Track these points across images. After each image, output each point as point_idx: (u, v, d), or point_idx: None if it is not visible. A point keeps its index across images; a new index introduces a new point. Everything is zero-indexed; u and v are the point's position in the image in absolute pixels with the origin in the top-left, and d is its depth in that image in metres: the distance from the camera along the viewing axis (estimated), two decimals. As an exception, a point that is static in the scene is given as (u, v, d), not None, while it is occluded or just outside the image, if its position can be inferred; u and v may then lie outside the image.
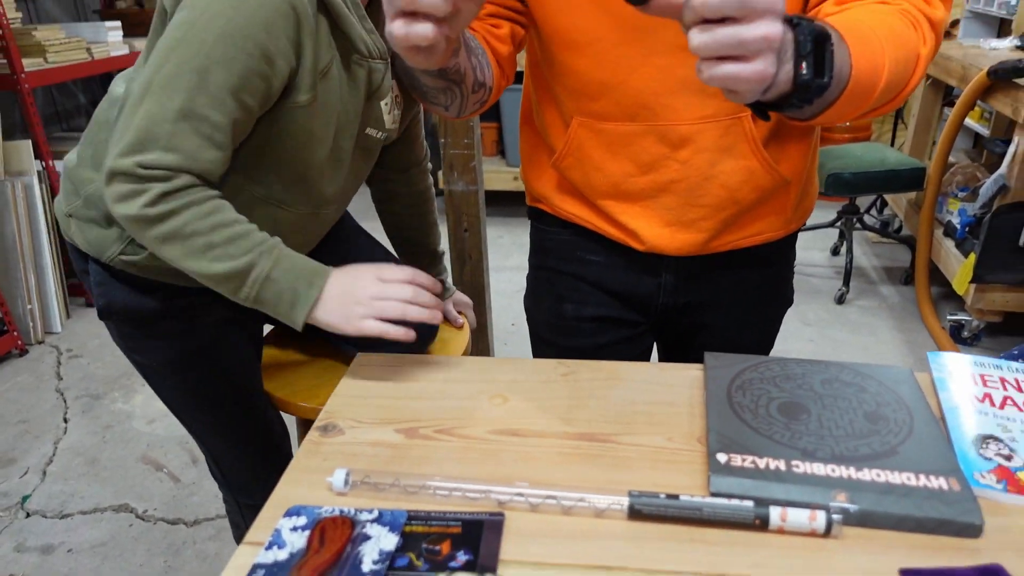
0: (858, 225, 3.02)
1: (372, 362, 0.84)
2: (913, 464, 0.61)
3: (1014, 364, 0.76)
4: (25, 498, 1.94)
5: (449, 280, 1.33)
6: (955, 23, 3.69)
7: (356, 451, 0.68)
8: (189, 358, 1.00)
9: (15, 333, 2.62)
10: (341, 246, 1.15)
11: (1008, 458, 0.63)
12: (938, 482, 0.59)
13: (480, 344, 1.95)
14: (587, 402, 0.74)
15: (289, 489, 0.64)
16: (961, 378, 0.74)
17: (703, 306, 1.00)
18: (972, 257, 2.33)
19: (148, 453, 2.13)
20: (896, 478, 0.59)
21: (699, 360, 0.81)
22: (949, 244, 2.58)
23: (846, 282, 2.81)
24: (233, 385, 1.04)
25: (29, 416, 2.30)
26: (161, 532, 1.83)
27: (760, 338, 1.07)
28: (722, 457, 0.62)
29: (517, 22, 0.87)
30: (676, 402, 0.74)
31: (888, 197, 3.33)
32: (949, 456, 0.62)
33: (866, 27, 0.64)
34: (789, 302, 1.08)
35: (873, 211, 3.43)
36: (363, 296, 0.82)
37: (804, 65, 0.55)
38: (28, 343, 2.71)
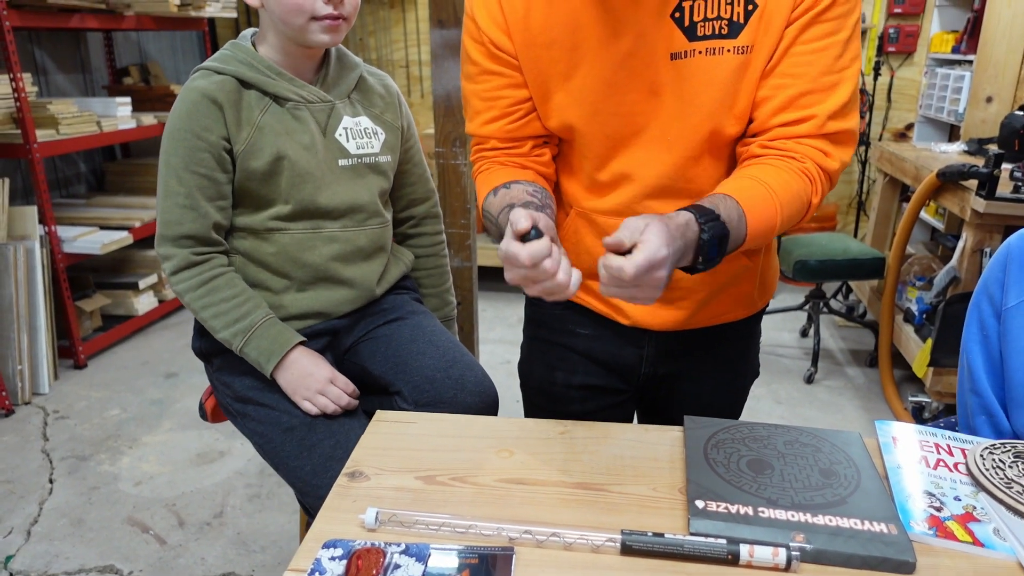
0: (824, 309, 3.20)
1: (390, 419, 0.94)
2: (859, 512, 0.72)
3: (947, 432, 0.89)
4: (9, 558, 1.94)
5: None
6: (910, 126, 4.01)
7: (381, 494, 0.78)
8: None
9: (3, 393, 2.65)
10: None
11: (939, 509, 0.75)
12: (879, 527, 0.70)
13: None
14: (581, 456, 0.85)
15: (324, 526, 0.73)
16: (903, 443, 0.86)
17: (680, 376, 1.13)
18: (929, 342, 2.49)
19: (134, 515, 2.15)
20: (845, 523, 0.71)
21: (678, 423, 0.91)
22: (909, 329, 2.75)
23: (814, 363, 2.96)
24: None
25: (14, 476, 2.31)
26: (147, 595, 1.85)
27: (731, 404, 1.20)
28: (700, 503, 0.73)
29: (551, 142, 1.06)
30: (659, 458, 0.85)
31: (852, 283, 3.53)
32: (889, 506, 0.74)
33: (769, 190, 0.86)
34: (756, 373, 1.22)
35: (840, 296, 3.62)
36: (312, 386, 1.11)
37: (701, 259, 0.80)
38: (15, 403, 2.74)
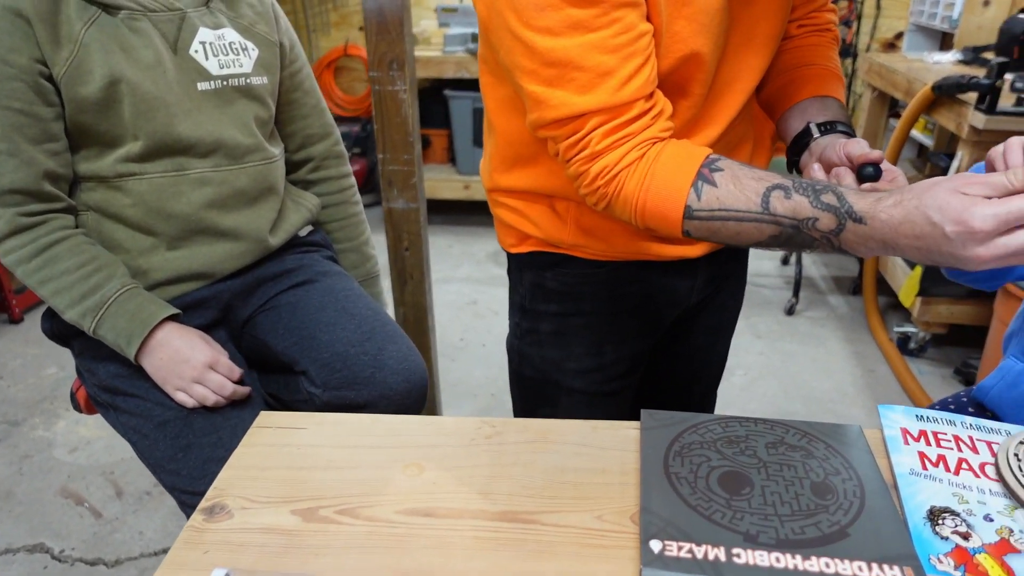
0: (807, 236, 3.02)
1: (275, 423, 0.75)
2: (865, 550, 0.55)
3: (967, 419, 0.71)
4: (-75, 540, 1.79)
5: (386, 304, 1.25)
6: (899, 35, 3.74)
7: (244, 540, 0.59)
8: None
9: (-76, 353, 2.44)
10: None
11: (966, 537, 0.58)
12: (892, 572, 0.53)
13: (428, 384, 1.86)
14: (511, 470, 0.67)
15: (161, 592, 0.55)
16: (914, 436, 0.69)
17: (712, 293, 1.02)
18: (918, 270, 2.33)
19: (68, 485, 1.99)
20: (847, 569, 0.53)
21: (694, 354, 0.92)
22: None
23: (795, 293, 2.80)
24: None
25: (-64, 446, 2.14)
26: (80, 574, 1.70)
27: (732, 325, 1.13)
28: (655, 545, 0.55)
29: None
30: (608, 469, 0.67)
31: (836, 207, 3.35)
32: (903, 537, 0.56)
33: (833, 73, 0.89)
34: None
35: (822, 220, 3.44)
36: (186, 373, 0.91)
37: None
38: (-61, 363, 2.53)
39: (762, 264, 3.19)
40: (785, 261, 3.20)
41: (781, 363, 2.47)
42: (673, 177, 0.69)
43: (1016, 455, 0.64)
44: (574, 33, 0.66)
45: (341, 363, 0.94)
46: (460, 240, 3.55)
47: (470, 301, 2.94)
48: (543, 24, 0.66)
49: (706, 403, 1.18)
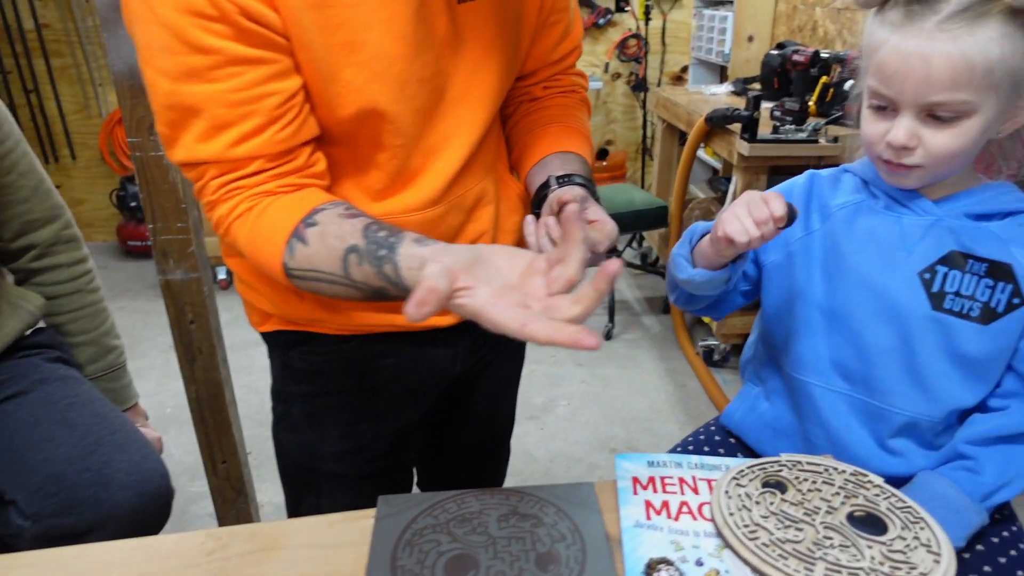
0: (618, 261, 3.17)
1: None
2: (577, 622, 0.55)
3: (694, 459, 0.75)
4: None
5: (136, 396, 1.14)
6: (685, 69, 4.07)
7: None
8: None
9: None
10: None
11: (676, 587, 0.60)
12: (599, 643, 0.53)
13: (231, 463, 1.74)
14: (233, 589, 0.62)
15: None
16: (643, 484, 0.71)
17: (484, 361, 1.01)
18: (712, 288, 2.51)
19: None
20: (556, 647, 0.53)
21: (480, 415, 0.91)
22: (694, 275, 2.77)
23: (611, 318, 2.93)
24: None
25: None
26: None
27: (519, 371, 1.12)
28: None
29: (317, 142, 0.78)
30: (338, 571, 0.63)
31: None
32: (616, 600, 0.57)
33: (580, 133, 0.90)
34: None
35: (634, 244, 3.64)
36: None
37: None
38: None
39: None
40: (603, 287, 3.35)
41: (602, 388, 2.56)
42: (272, 233, 0.70)
43: (727, 492, 0.68)
44: (191, 80, 0.65)
45: (57, 486, 0.83)
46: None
47: (292, 360, 2.81)
48: (164, 66, 0.65)
49: (497, 460, 1.17)
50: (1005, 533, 0.83)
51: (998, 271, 0.78)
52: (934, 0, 0.70)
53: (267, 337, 0.91)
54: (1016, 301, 0.77)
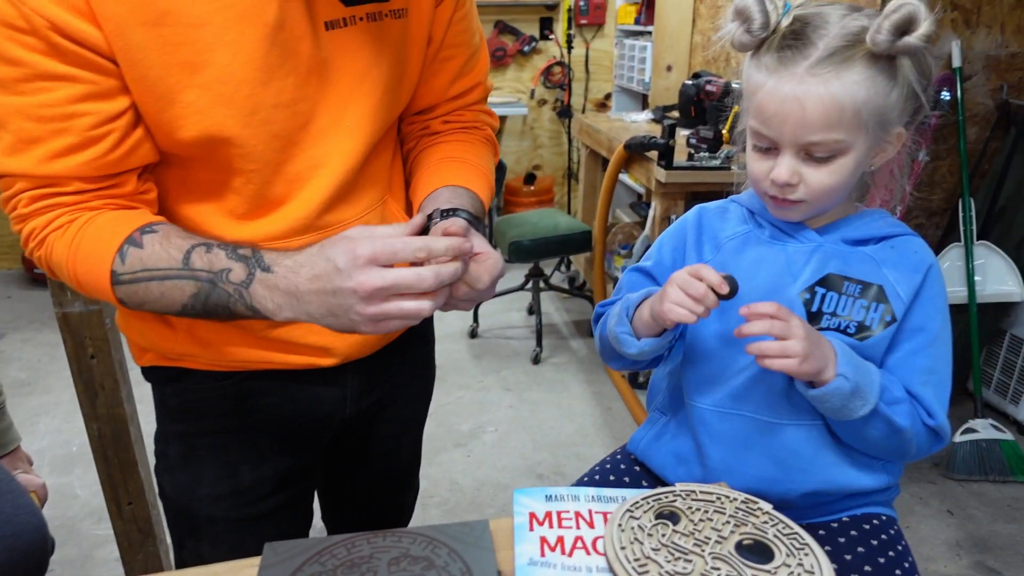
0: (544, 286, 3.20)
1: None
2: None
3: (589, 491, 0.75)
4: None
5: (17, 439, 1.08)
6: (608, 96, 4.17)
7: None
8: None
9: None
10: None
11: (565, 626, 0.59)
12: None
13: (137, 504, 1.65)
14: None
15: None
16: (539, 520, 0.71)
17: (382, 402, 0.98)
18: (635, 311, 2.55)
19: None
20: None
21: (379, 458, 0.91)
22: (619, 298, 2.82)
23: (539, 342, 2.94)
24: None
25: None
26: None
27: (423, 413, 1.10)
28: None
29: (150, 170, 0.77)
30: (218, 626, 0.60)
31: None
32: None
33: (476, 167, 0.90)
34: (435, 368, 1.13)
35: (562, 267, 3.68)
36: None
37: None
38: None
39: (510, 316, 3.32)
40: (530, 311, 3.37)
41: (530, 413, 2.56)
42: (101, 242, 0.69)
43: (620, 525, 0.68)
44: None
45: None
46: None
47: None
48: None
49: (402, 499, 1.14)
50: (891, 552, 0.86)
51: (871, 292, 0.82)
52: (803, 45, 0.74)
53: (144, 372, 0.88)
54: (888, 319, 0.82)
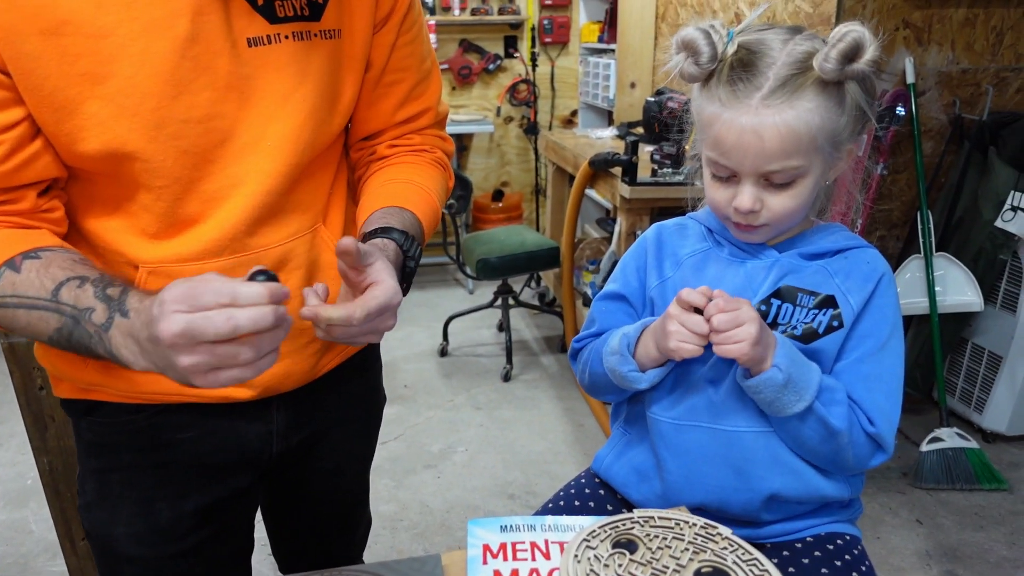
0: (513, 302, 3.18)
1: None
2: None
3: (546, 520, 0.73)
4: None
5: None
6: (575, 113, 4.20)
7: None
8: None
9: None
10: None
11: (517, 667, 0.57)
12: None
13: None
14: None
15: None
16: (493, 554, 0.69)
17: (316, 438, 0.94)
18: (604, 327, 2.55)
19: None
20: None
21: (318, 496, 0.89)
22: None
23: (508, 359, 2.92)
24: None
25: None
26: None
27: (368, 447, 1.06)
28: None
29: (58, 186, 0.74)
30: None
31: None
32: None
33: (422, 188, 0.88)
34: (384, 398, 1.08)
35: (533, 283, 3.67)
36: None
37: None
38: None
39: (480, 334, 3.30)
40: (501, 328, 3.35)
41: (500, 432, 2.53)
42: None
43: (576, 556, 0.66)
44: None
45: None
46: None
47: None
48: None
49: (351, 533, 1.09)
50: (855, 574, 0.85)
51: (825, 302, 0.83)
52: (752, 76, 0.74)
53: (63, 405, 0.85)
54: (836, 324, 0.82)
